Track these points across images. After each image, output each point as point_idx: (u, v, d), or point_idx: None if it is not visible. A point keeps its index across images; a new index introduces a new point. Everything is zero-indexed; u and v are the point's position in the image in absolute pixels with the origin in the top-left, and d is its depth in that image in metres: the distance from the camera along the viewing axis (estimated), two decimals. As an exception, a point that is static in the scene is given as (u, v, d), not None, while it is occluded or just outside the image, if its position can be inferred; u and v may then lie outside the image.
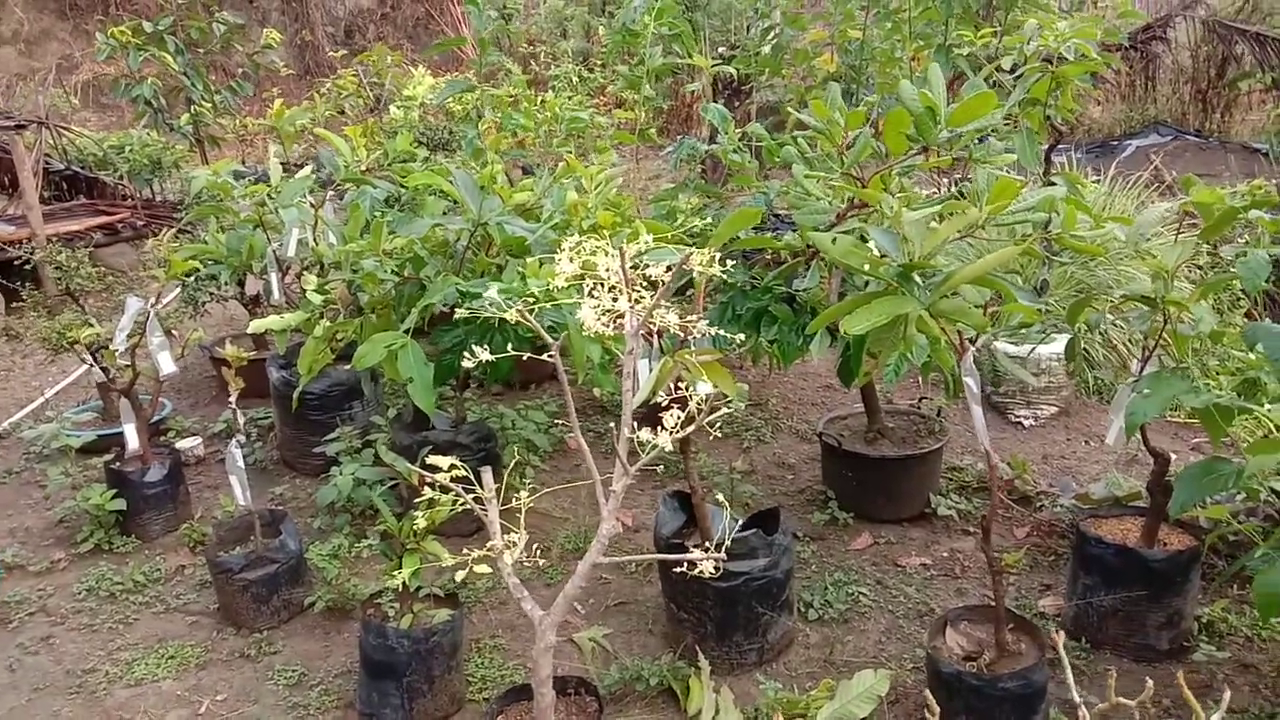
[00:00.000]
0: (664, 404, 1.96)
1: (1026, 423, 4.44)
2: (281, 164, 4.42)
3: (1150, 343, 2.65)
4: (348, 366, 3.93)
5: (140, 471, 3.75)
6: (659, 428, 1.94)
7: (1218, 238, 2.78)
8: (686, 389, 2.93)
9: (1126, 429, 2.52)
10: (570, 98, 6.13)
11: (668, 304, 2.06)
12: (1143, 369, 2.70)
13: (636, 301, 2.02)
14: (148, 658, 3.06)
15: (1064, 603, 3.04)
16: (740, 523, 2.99)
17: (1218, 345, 2.88)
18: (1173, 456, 2.80)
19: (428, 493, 2.34)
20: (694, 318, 2.07)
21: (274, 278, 4.19)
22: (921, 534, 3.56)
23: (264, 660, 3.04)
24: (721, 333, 2.36)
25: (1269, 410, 2.40)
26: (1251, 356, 2.60)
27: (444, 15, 17.16)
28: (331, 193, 4.40)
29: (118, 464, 3.81)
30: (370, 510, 3.73)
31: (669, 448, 1.97)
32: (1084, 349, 4.62)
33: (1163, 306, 2.53)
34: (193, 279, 4.86)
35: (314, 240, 4.12)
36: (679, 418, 2.02)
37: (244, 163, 9.32)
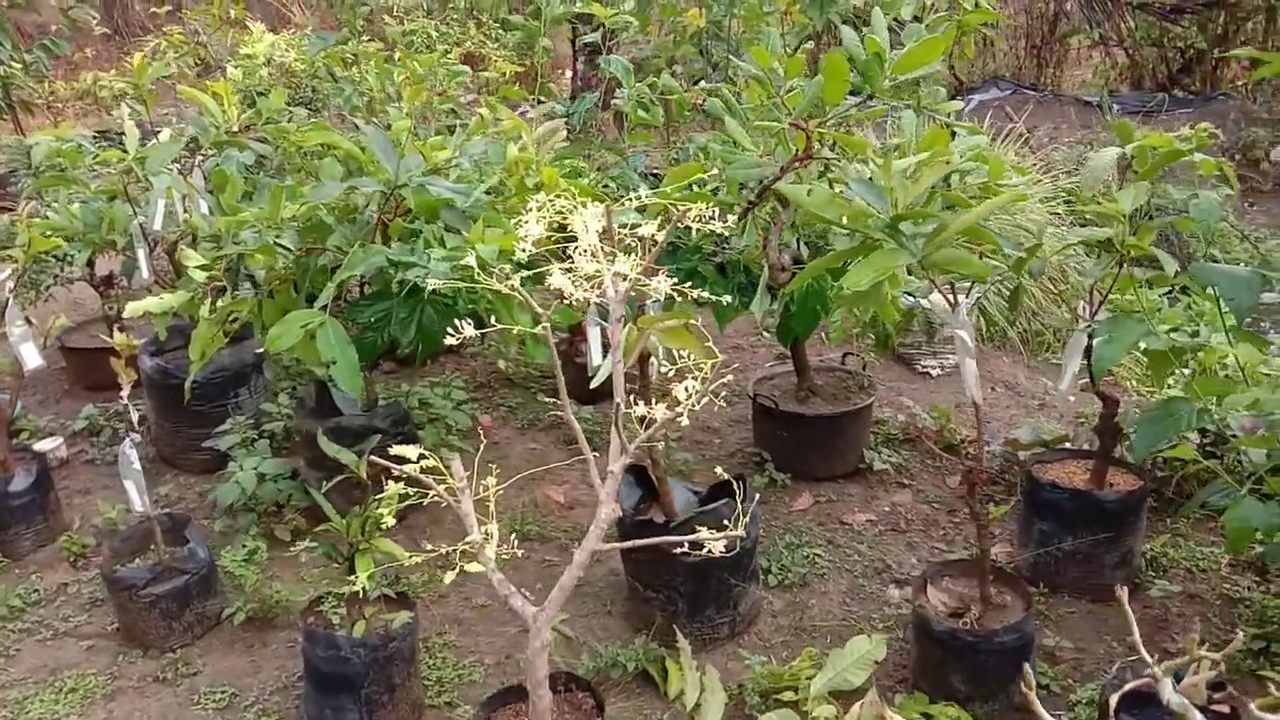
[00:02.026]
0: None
1: (934, 372, 4.50)
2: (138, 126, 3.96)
3: (1103, 288, 2.67)
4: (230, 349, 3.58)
5: (2, 481, 3.29)
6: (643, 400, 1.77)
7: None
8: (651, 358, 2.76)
9: (1094, 374, 2.53)
10: (442, 53, 5.77)
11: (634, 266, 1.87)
12: (1094, 314, 2.73)
13: (613, 260, 1.83)
14: (43, 693, 2.68)
15: (1014, 549, 3.07)
16: (703, 493, 2.87)
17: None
18: (1121, 399, 2.85)
19: (391, 486, 2.11)
20: (663, 280, 1.88)
21: (141, 254, 3.75)
22: (859, 490, 3.54)
23: (184, 683, 2.72)
24: (675, 295, 2.21)
25: (1228, 348, 2.45)
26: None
27: (268, -31, 16.09)
28: (201, 158, 3.97)
29: (-28, 474, 3.34)
30: (276, 507, 3.41)
31: (685, 421, 1.80)
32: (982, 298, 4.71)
33: (1121, 251, 2.54)
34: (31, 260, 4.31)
35: (185, 211, 3.71)
36: (690, 390, 1.86)
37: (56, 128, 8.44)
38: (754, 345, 4.85)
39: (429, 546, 3.28)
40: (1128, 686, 1.59)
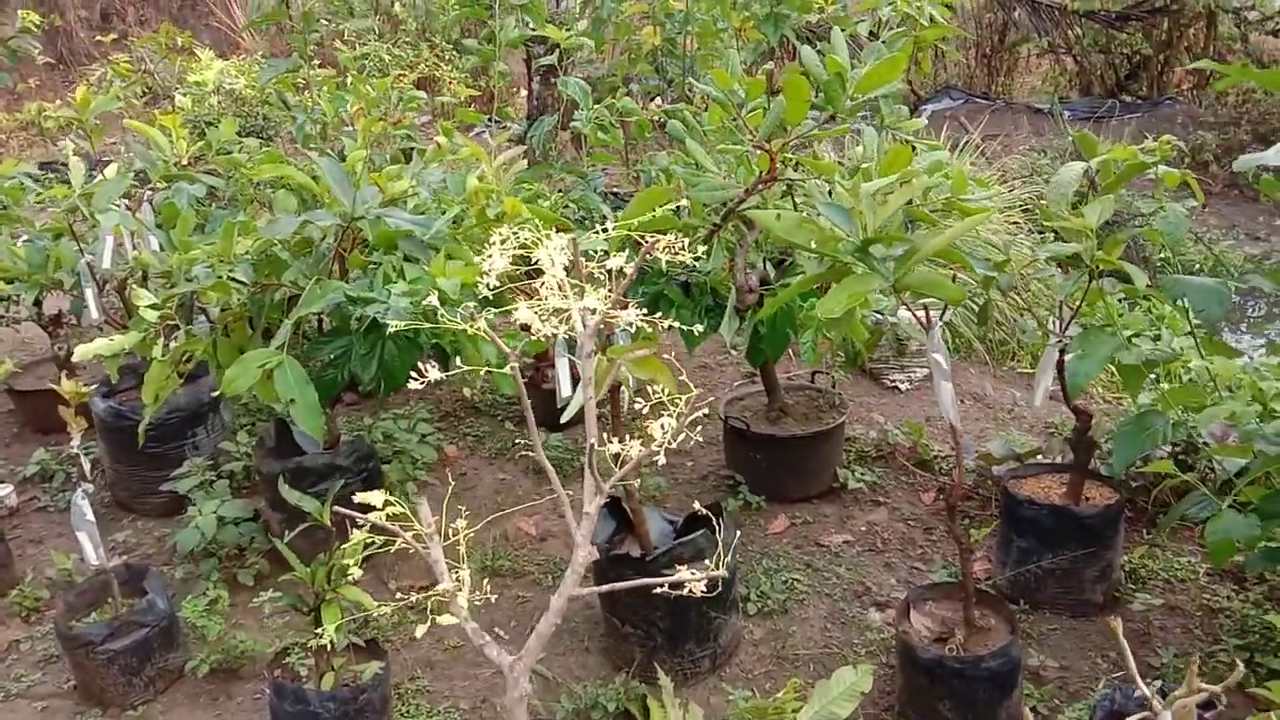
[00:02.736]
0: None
1: (903, 386, 4.49)
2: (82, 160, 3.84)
3: (1072, 303, 2.66)
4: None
5: (-53, 536, 3.16)
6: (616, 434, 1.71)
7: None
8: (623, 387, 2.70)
9: (1070, 390, 2.51)
10: (395, 78, 5.70)
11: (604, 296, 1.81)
12: (1064, 329, 2.71)
13: (582, 296, 1.77)
14: (-5, 760, 2.57)
15: (993, 565, 3.05)
16: (678, 522, 2.81)
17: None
18: (1094, 411, 2.84)
19: (357, 534, 2.04)
20: (632, 311, 1.82)
21: (90, 293, 3.63)
22: (834, 510, 3.51)
23: (146, 743, 2.62)
24: (643, 324, 2.15)
25: (1197, 361, 2.45)
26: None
27: (213, -4, 15.92)
28: (149, 192, 3.86)
29: (-84, 529, 3.20)
30: (238, 551, 3.30)
31: (662, 460, 1.73)
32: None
33: (1090, 265, 2.53)
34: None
35: (134, 248, 3.60)
36: (666, 427, 1.79)
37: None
38: (721, 364, 4.81)
39: (396, 585, 3.20)
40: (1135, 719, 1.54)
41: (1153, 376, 2.83)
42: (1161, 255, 6.46)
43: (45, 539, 3.62)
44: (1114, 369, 2.88)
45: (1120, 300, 3.87)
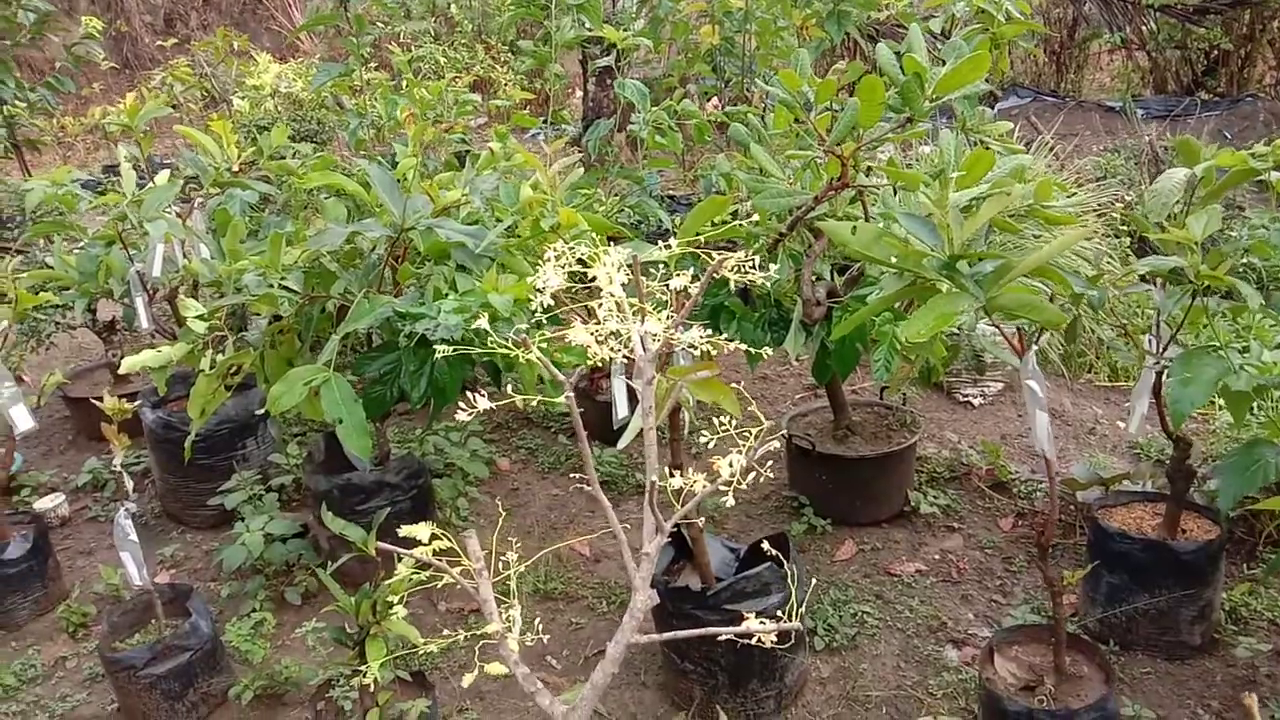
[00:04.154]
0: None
1: (975, 401, 4.27)
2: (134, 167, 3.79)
3: (1175, 321, 2.45)
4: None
5: (-3, 549, 3.12)
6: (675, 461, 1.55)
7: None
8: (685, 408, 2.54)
9: (1174, 421, 2.31)
10: (449, 80, 5.60)
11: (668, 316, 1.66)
12: (1163, 350, 2.50)
13: (642, 318, 1.62)
14: (36, 786, 2.50)
15: (1080, 602, 2.84)
16: (740, 551, 2.66)
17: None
18: (1194, 441, 2.62)
19: (402, 568, 1.92)
20: (696, 332, 1.66)
21: (140, 302, 3.57)
22: (905, 535, 3.32)
23: (187, 773, 2.53)
24: (707, 343, 2.00)
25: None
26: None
27: (272, -1, 16.07)
28: (200, 200, 3.80)
29: (-36, 543, 3.16)
30: (286, 567, 3.22)
31: (730, 501, 1.58)
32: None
33: (1195, 281, 2.32)
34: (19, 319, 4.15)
35: (184, 256, 3.54)
36: (734, 464, 1.63)
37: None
38: (782, 375, 4.64)
39: (446, 607, 3.08)
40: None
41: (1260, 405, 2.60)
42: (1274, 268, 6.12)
43: (95, 550, 3.58)
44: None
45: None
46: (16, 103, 6.69)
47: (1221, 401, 2.62)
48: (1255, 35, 9.83)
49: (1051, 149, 6.74)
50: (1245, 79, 10.03)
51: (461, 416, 1.47)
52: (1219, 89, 10.03)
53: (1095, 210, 5.58)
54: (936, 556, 3.18)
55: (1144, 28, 10.35)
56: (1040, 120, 9.43)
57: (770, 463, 3.71)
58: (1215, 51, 10.10)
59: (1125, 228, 4.88)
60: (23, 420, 2.95)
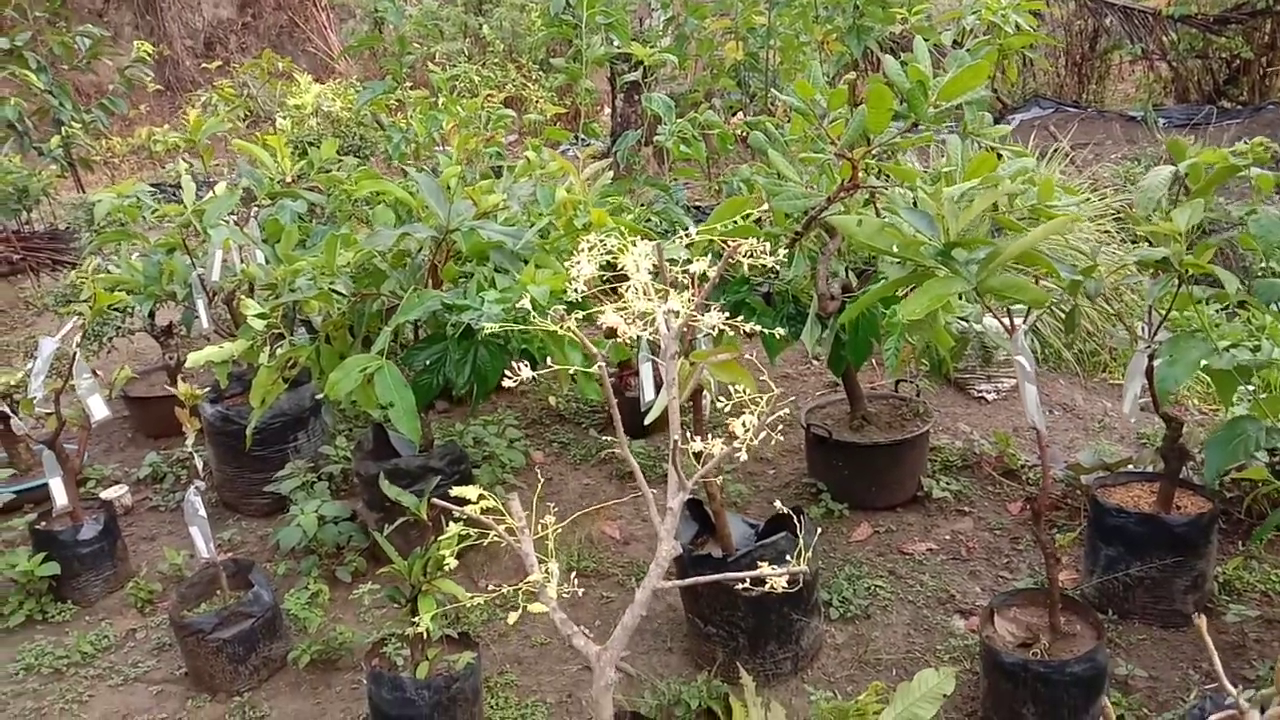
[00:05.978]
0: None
1: (989, 396, 4.45)
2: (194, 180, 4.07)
3: (1161, 308, 2.63)
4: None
5: (72, 530, 3.37)
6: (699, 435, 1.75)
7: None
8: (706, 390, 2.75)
9: (1160, 396, 2.48)
10: (485, 98, 5.88)
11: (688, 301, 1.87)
12: (1153, 335, 2.68)
13: (665, 297, 1.84)
14: (115, 739, 2.73)
15: (1081, 575, 3.01)
16: (759, 527, 2.86)
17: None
18: (1185, 420, 2.79)
19: (452, 527, 2.13)
20: (714, 314, 1.88)
21: (201, 305, 3.84)
22: (918, 519, 3.50)
23: (252, 727, 2.76)
24: (726, 328, 2.21)
25: (1293, 366, 2.40)
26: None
27: (309, 22, 16.50)
28: (256, 209, 4.07)
29: (44, 523, 3.42)
30: (336, 549, 3.45)
31: (743, 456, 1.78)
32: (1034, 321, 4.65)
33: (1179, 270, 2.50)
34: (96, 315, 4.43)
35: (242, 261, 3.80)
36: (748, 424, 1.84)
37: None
38: (803, 374, 4.83)
39: (487, 585, 3.31)
40: (1214, 718, 1.54)
41: (1250, 387, 2.76)
42: (1263, 264, 6.24)
43: (157, 536, 3.83)
44: (1209, 378, 2.83)
45: (1219, 311, 3.79)
46: (73, 123, 7.04)
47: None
48: (1276, 44, 9.93)
49: (1068, 156, 6.90)
50: (1267, 88, 10.12)
51: (507, 384, 1.69)
52: (1241, 97, 10.12)
53: (1113, 214, 5.74)
54: (947, 537, 3.36)
55: (1165, 38, 10.47)
56: (1061, 130, 9.57)
57: (789, 451, 3.90)
58: (1237, 61, 10.20)
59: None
60: (99, 409, 3.21)
